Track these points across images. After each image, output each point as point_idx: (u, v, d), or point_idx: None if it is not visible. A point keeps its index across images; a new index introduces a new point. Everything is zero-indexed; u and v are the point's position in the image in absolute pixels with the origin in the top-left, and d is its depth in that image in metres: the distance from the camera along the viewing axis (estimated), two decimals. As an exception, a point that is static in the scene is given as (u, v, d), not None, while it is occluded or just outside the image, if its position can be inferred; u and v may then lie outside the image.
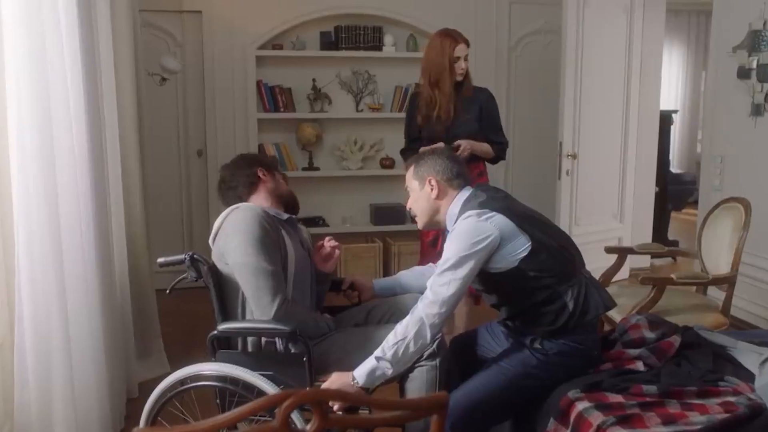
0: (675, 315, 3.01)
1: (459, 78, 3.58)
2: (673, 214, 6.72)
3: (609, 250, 3.63)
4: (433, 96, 3.56)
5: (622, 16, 5.26)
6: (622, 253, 3.58)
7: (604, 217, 5.37)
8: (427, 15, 5.42)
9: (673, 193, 6.36)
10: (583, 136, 4.99)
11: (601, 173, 5.22)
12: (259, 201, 2.45)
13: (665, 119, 6.03)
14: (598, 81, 5.03)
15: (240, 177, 2.48)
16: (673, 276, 3.03)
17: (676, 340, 2.24)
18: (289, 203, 2.50)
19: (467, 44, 3.62)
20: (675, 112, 7.05)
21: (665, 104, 6.39)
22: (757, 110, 4.23)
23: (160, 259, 2.29)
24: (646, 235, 5.73)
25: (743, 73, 4.31)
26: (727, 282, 3.10)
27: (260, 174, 2.47)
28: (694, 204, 7.24)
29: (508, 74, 5.64)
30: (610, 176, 5.39)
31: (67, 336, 2.57)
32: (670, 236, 6.44)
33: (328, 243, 2.57)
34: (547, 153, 5.44)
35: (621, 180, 5.48)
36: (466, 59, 3.59)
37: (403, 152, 3.80)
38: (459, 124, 3.59)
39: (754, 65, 4.22)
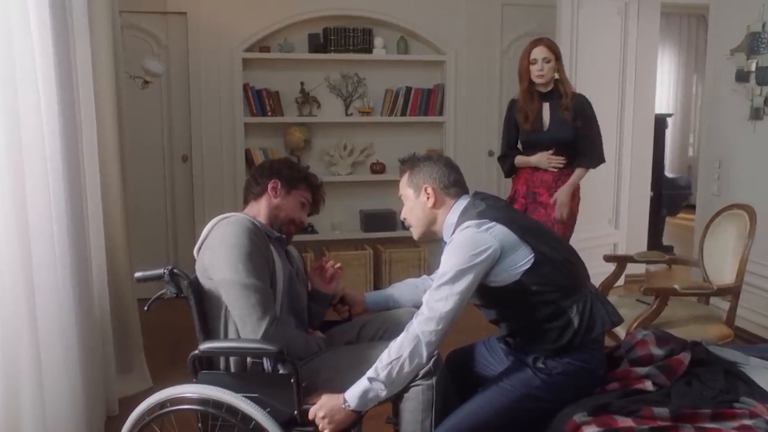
0: (678, 327, 2.91)
1: (537, 80, 3.64)
2: (668, 219, 6.63)
3: (608, 258, 3.52)
4: (523, 101, 3.68)
5: (616, 18, 5.17)
6: (622, 261, 3.47)
7: (599, 223, 5.27)
8: (418, 17, 5.32)
9: (668, 197, 6.28)
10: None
11: (596, 178, 5.09)
12: (255, 212, 2.32)
13: (660, 123, 5.96)
14: (592, 84, 4.90)
15: (254, 181, 2.35)
16: (676, 286, 2.91)
17: (685, 357, 2.11)
18: (281, 230, 2.33)
19: (550, 48, 3.63)
20: (670, 115, 6.97)
21: (657, 108, 6.31)
22: (756, 114, 4.14)
23: (138, 274, 2.14)
24: (641, 241, 5.63)
25: (741, 76, 4.21)
26: (732, 292, 2.99)
27: (270, 186, 2.31)
28: (689, 209, 7.19)
29: (500, 77, 5.53)
30: (604, 181, 5.28)
31: (37, 351, 2.45)
32: (665, 241, 6.35)
33: (329, 264, 2.46)
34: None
35: (616, 185, 5.39)
36: (545, 62, 3.61)
37: (499, 159, 3.95)
38: (553, 130, 3.69)
39: (753, 68, 4.14)
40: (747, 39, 4.15)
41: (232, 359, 2.13)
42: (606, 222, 5.36)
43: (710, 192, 4.51)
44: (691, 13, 9.04)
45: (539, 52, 3.62)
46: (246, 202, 2.38)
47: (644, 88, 5.51)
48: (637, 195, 5.59)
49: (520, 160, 3.80)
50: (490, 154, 5.56)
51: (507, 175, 3.98)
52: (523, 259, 2.01)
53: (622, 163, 5.38)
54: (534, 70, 3.63)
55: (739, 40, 4.20)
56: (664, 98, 9.19)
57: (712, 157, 4.52)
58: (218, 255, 2.12)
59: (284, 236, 2.34)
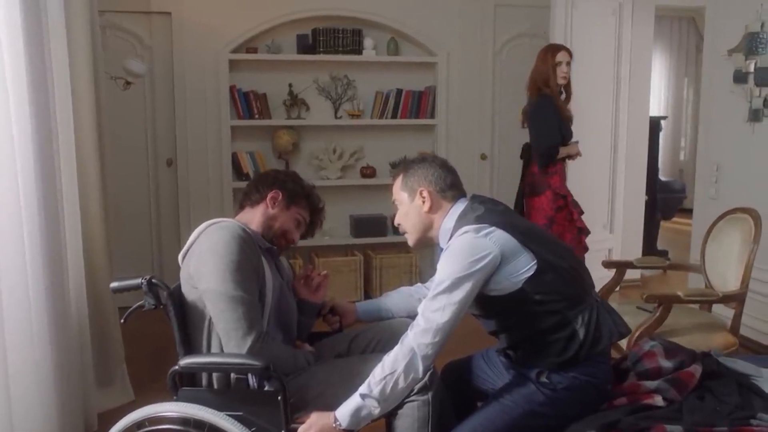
0: (681, 335, 2.81)
1: (562, 81, 4.01)
2: (662, 224, 6.53)
3: (607, 264, 3.43)
4: (558, 99, 4.00)
5: (610, 19, 5.08)
6: (621, 267, 3.37)
7: (594, 228, 5.12)
8: (409, 17, 5.21)
9: (662, 201, 6.18)
10: (571, 143, 4.78)
11: (590, 181, 5.02)
12: (248, 219, 2.21)
13: (654, 126, 5.86)
14: (586, 86, 4.82)
15: (255, 188, 2.26)
16: (680, 294, 2.80)
17: (696, 369, 2.00)
18: (273, 242, 2.22)
19: (569, 53, 4.04)
20: (664, 118, 6.89)
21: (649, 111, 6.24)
22: (755, 116, 4.05)
23: (114, 284, 2.01)
24: (636, 246, 5.55)
25: (740, 77, 4.12)
26: (738, 299, 2.89)
27: (270, 196, 2.21)
28: (682, 212, 7.12)
29: (492, 79, 5.42)
30: (599, 185, 5.19)
31: (4, 358, 2.35)
32: (659, 246, 6.26)
33: (314, 273, 2.35)
34: (533, 161, 5.25)
35: (611, 189, 5.29)
36: (568, 65, 4.00)
37: (552, 149, 3.97)
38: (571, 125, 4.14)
39: (752, 69, 4.05)
40: (745, 39, 4.06)
41: (215, 375, 2.00)
42: (600, 227, 5.25)
43: (708, 195, 4.42)
44: (681, 16, 9.00)
45: (564, 56, 3.99)
46: (241, 208, 2.28)
47: (639, 89, 5.42)
48: (632, 199, 5.49)
49: (563, 151, 4.04)
50: (483, 157, 5.46)
51: (547, 165, 4.02)
52: (525, 266, 1.89)
53: (617, 167, 5.29)
54: (560, 72, 3.97)
55: (737, 41, 4.11)
56: (656, 101, 9.12)
57: (709, 160, 4.43)
58: (205, 263, 1.99)
59: (275, 247, 2.22)
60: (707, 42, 4.51)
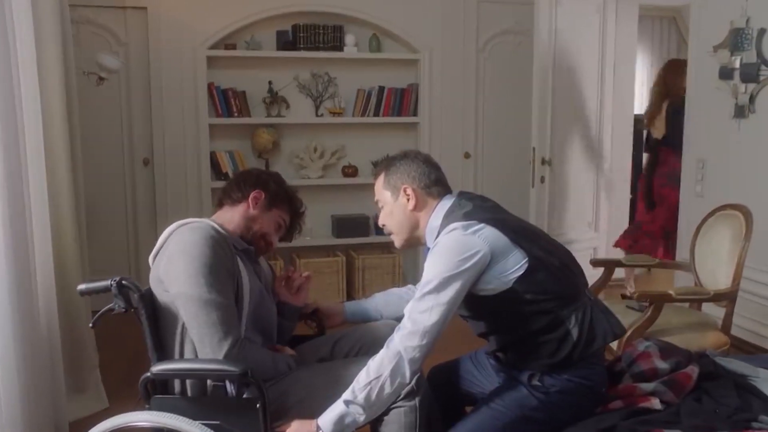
0: (673, 335, 2.75)
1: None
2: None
3: (596, 263, 3.36)
4: None
5: (595, 16, 5.02)
6: (610, 265, 3.30)
7: (579, 226, 5.11)
8: (391, 14, 5.12)
9: (646, 200, 6.14)
10: (556, 141, 4.72)
11: (576, 179, 4.97)
12: (226, 218, 2.11)
13: (638, 124, 5.83)
14: (571, 83, 4.78)
15: (237, 186, 2.17)
16: (671, 292, 2.74)
17: (693, 370, 1.93)
18: (251, 243, 2.13)
19: None
20: (647, 116, 6.85)
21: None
22: (740, 112, 4.01)
23: (81, 286, 1.90)
24: (621, 245, 5.49)
25: (725, 74, 4.08)
26: (729, 297, 2.83)
27: (252, 196, 2.12)
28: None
29: (476, 77, 5.35)
30: (584, 183, 5.13)
31: None
32: (643, 245, 6.22)
33: (296, 274, 2.25)
34: (517, 159, 5.20)
35: (596, 187, 5.24)
36: None
37: None
38: None
39: (737, 65, 4.00)
40: (730, 35, 4.02)
41: (188, 382, 1.90)
42: (585, 225, 5.21)
43: (693, 193, 4.38)
44: (663, 16, 9.00)
45: None
46: (220, 206, 2.19)
47: (623, 87, 5.39)
48: (617, 197, 5.46)
49: None
50: (467, 155, 5.39)
51: None
52: (515, 265, 1.81)
53: (602, 165, 5.24)
54: None
55: (722, 37, 4.07)
56: (638, 100, 9.09)
57: (695, 157, 4.39)
58: (176, 265, 1.89)
59: (252, 248, 2.12)
60: (692, 38, 4.46)
